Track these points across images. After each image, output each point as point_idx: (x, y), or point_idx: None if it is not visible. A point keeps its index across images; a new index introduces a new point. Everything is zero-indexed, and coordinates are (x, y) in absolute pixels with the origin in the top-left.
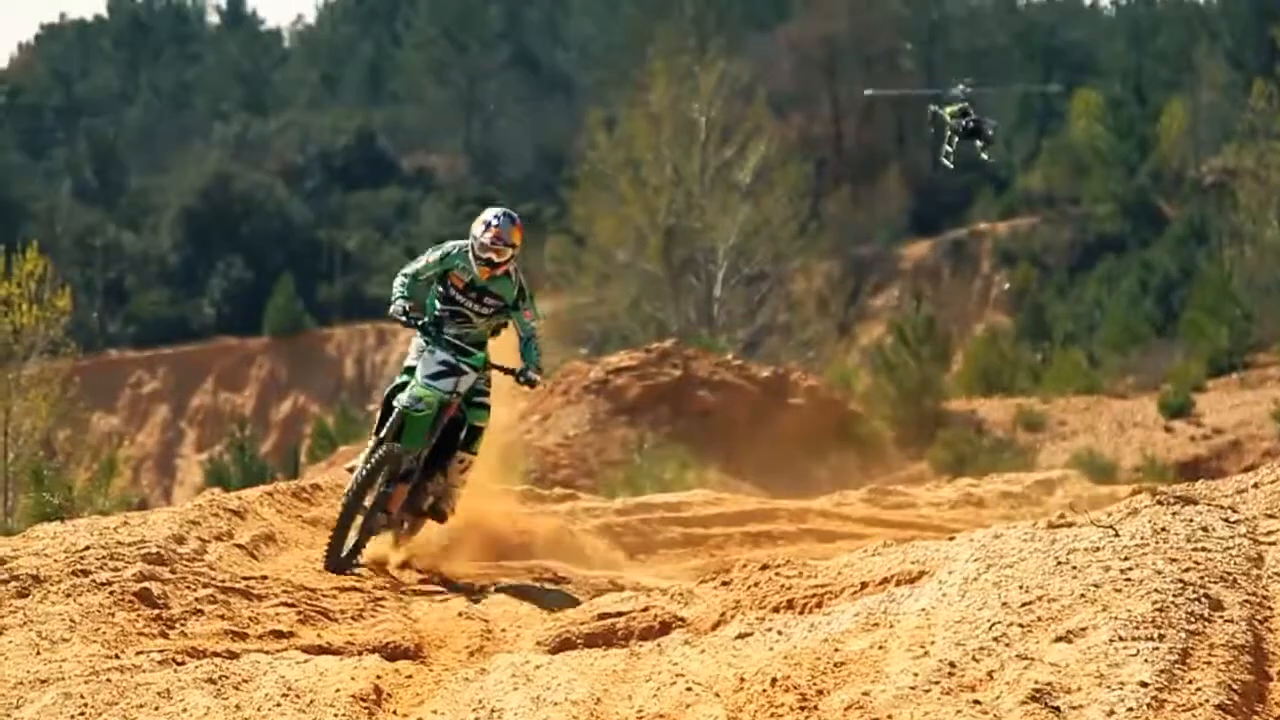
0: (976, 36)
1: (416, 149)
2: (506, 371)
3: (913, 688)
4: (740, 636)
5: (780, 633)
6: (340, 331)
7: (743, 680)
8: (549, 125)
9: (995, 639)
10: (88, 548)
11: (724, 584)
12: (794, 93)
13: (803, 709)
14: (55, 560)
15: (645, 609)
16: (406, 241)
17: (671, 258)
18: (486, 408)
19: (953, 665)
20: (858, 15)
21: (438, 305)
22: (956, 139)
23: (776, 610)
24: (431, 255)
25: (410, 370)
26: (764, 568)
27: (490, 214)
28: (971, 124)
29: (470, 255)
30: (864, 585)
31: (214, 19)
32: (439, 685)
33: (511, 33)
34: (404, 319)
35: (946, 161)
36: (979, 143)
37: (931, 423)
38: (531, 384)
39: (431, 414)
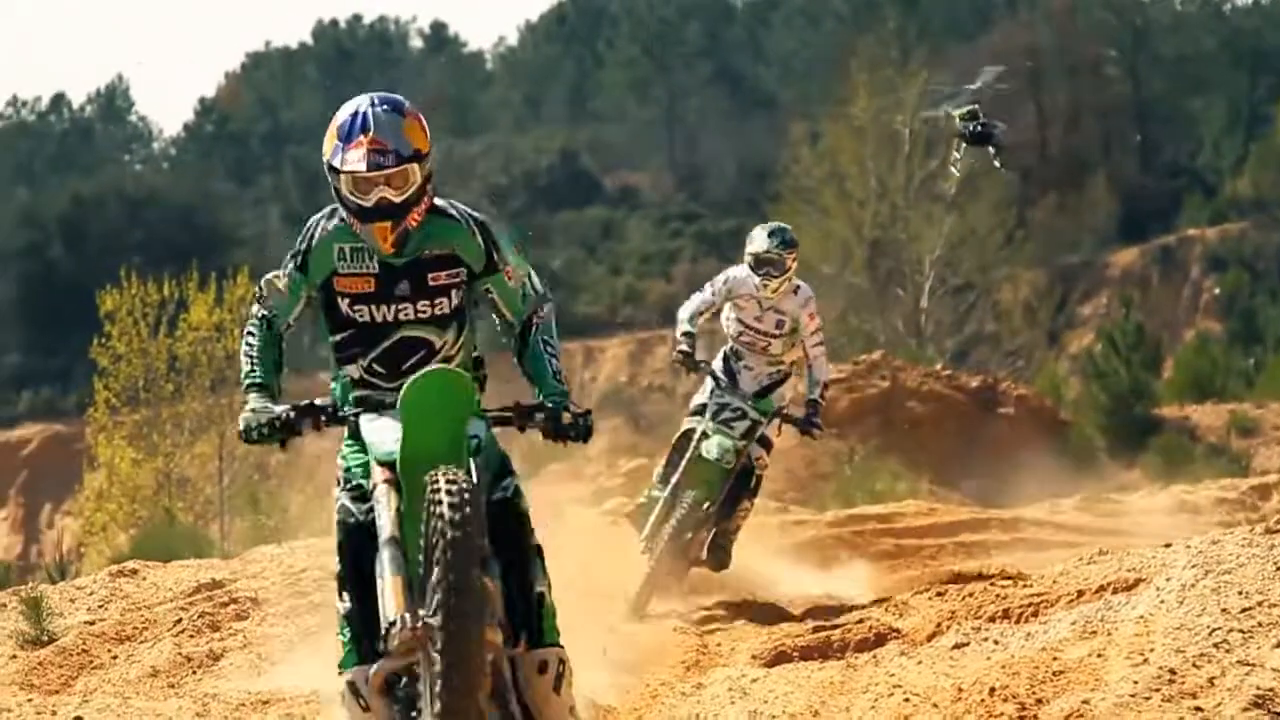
0: (1182, 43)
1: (620, 167)
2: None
3: (1133, 695)
4: (957, 646)
5: (997, 642)
6: None
7: (960, 690)
8: (752, 141)
9: (1215, 645)
10: (305, 570)
11: (939, 594)
12: (997, 102)
13: (1022, 718)
14: (273, 583)
15: (860, 621)
16: (612, 260)
17: (877, 270)
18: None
19: (1173, 672)
20: (1061, 24)
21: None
22: (964, 145)
23: (993, 620)
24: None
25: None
26: (979, 578)
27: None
28: (979, 127)
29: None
30: (1080, 593)
31: (417, 43)
32: (655, 700)
33: (713, 49)
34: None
35: (954, 169)
36: (991, 150)
37: (1143, 430)
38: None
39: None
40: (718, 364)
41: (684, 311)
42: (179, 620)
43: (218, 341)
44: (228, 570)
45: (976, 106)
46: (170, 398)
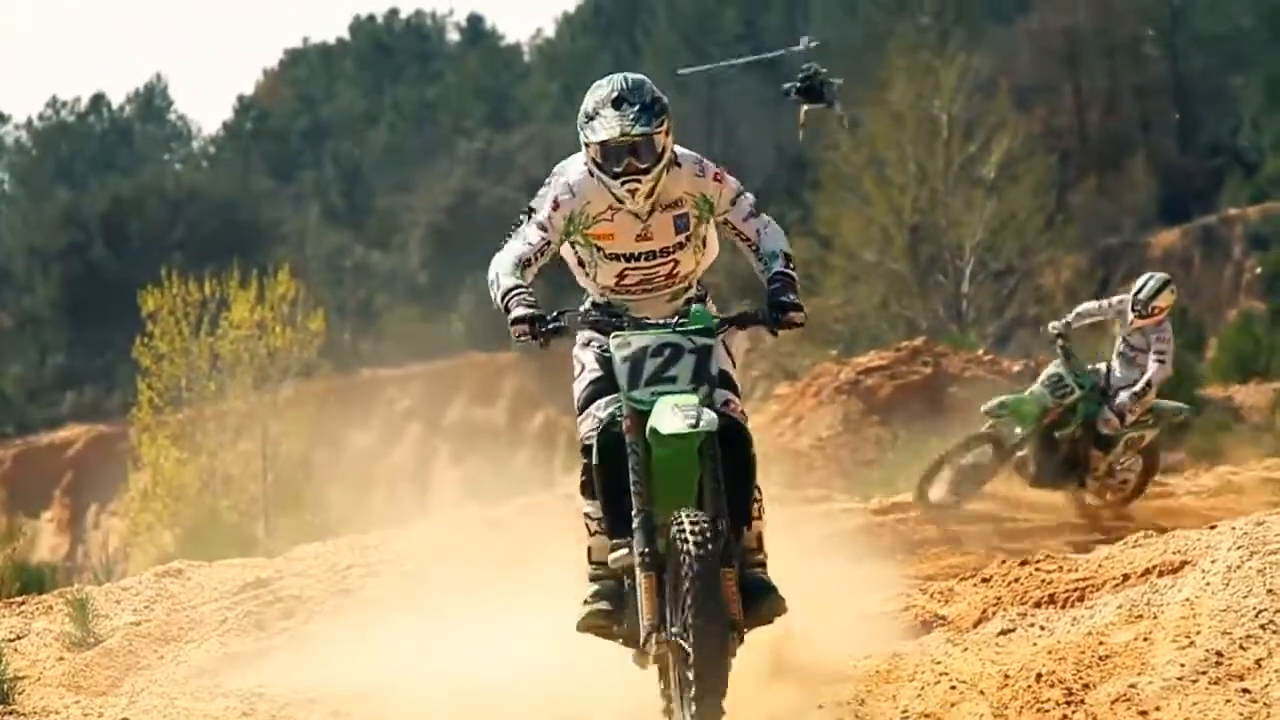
0: (1220, 21)
1: None
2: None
3: (1180, 678)
4: (1003, 633)
5: (1043, 628)
6: None
7: (1007, 677)
8: (790, 128)
9: (1262, 627)
10: (349, 566)
11: (984, 581)
12: (1036, 85)
13: (1069, 703)
14: (318, 580)
15: (906, 608)
16: None
17: (918, 256)
18: None
19: (1220, 655)
20: (1099, 4)
21: None
22: (804, 106)
23: (1038, 605)
24: None
25: None
26: (1024, 563)
27: None
28: (804, 82)
29: None
30: (1126, 577)
31: (454, 37)
32: None
33: (750, 37)
34: None
35: (800, 130)
36: (830, 105)
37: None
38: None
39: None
40: None
41: None
42: (224, 620)
43: (259, 339)
44: (272, 569)
45: (812, 66)
46: (213, 396)
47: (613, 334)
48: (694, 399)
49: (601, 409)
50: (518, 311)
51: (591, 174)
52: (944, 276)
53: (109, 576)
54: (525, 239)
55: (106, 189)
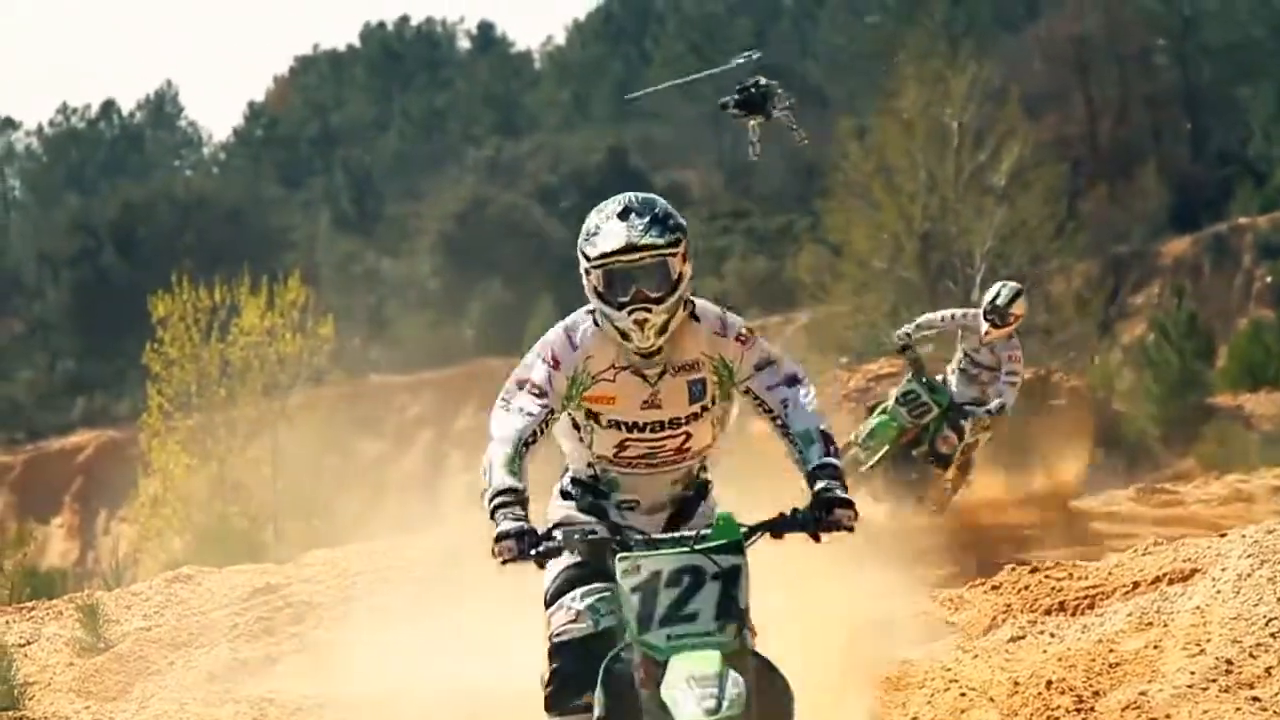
0: (1231, 30)
1: (669, 165)
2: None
3: (1190, 686)
4: (1013, 640)
5: (1053, 635)
6: None
7: (1017, 684)
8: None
9: (1273, 635)
10: (359, 573)
11: (994, 588)
12: (1046, 93)
13: (1079, 711)
14: (328, 586)
15: (916, 615)
16: None
17: (928, 263)
18: None
19: (1230, 663)
20: (1109, 13)
21: None
22: (751, 121)
23: (1048, 613)
24: None
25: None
26: (1034, 570)
27: None
28: (739, 94)
29: None
30: (1136, 585)
31: (465, 44)
32: None
33: (760, 46)
34: None
35: (752, 149)
36: (769, 117)
37: (1197, 419)
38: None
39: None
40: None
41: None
42: (235, 625)
43: (269, 345)
44: (282, 575)
45: (758, 78)
46: (223, 403)
47: (619, 555)
48: (715, 663)
49: (578, 600)
50: (504, 525)
51: (594, 320)
52: (954, 284)
53: (119, 582)
54: (524, 411)
55: (117, 195)
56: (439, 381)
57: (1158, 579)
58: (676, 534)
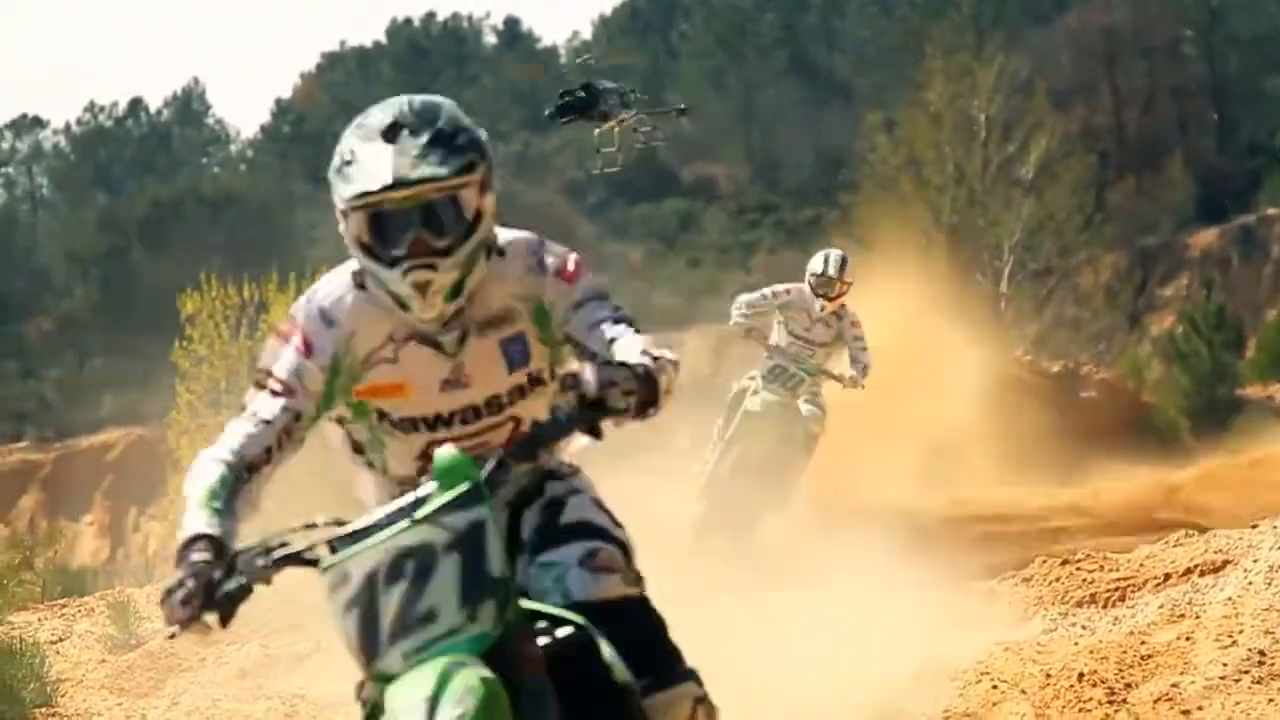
0: (1258, 21)
1: (696, 159)
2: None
3: (1222, 678)
4: (1044, 632)
5: (1084, 627)
6: None
7: (1049, 676)
8: (828, 130)
9: None
10: None
11: (1025, 580)
12: (1074, 85)
13: (1111, 703)
14: None
15: (948, 608)
16: (690, 252)
17: (957, 256)
18: None
19: (1262, 654)
20: (1136, 4)
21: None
22: (596, 131)
23: (1080, 605)
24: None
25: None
26: (1064, 563)
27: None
28: (561, 98)
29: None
30: (1167, 577)
31: (491, 39)
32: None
33: (787, 40)
34: None
35: (598, 162)
36: (604, 117)
37: (1227, 410)
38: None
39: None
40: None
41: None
42: (265, 621)
43: None
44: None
45: (592, 81)
46: None
47: (321, 564)
48: (428, 684)
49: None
50: (174, 575)
51: (357, 282)
52: (982, 276)
53: (150, 579)
54: (257, 417)
55: (145, 193)
56: None
57: (1189, 571)
58: (389, 509)
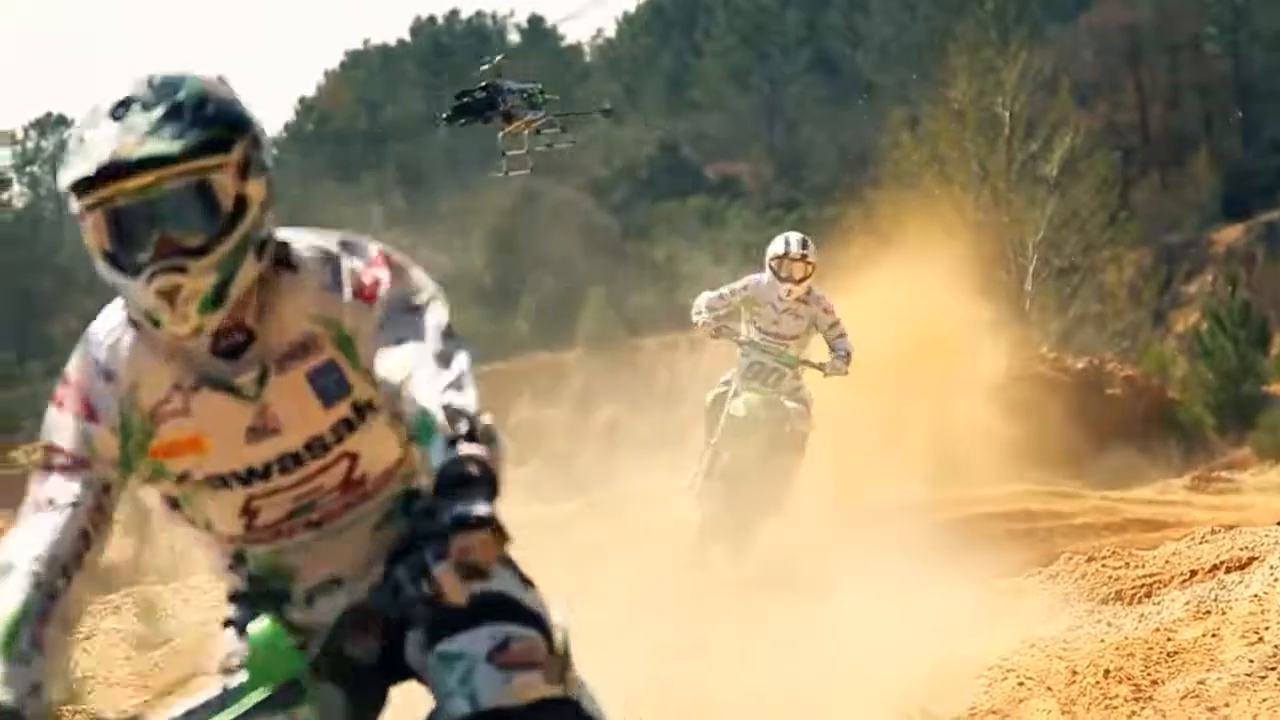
0: None
1: (720, 157)
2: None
3: (1249, 675)
4: (1070, 629)
5: (1110, 624)
6: (651, 341)
7: (1075, 673)
8: (851, 127)
9: None
10: None
11: (1050, 577)
12: (1097, 82)
13: (1137, 700)
14: None
15: (973, 606)
16: (714, 249)
17: (981, 254)
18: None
19: None
20: (1160, 1)
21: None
22: (507, 141)
23: (1105, 602)
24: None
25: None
26: (1090, 559)
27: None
28: (457, 98)
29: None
30: (1193, 573)
31: (515, 37)
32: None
33: (811, 37)
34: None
35: (507, 165)
36: (488, 120)
37: (1252, 407)
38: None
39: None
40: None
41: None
42: None
43: None
44: None
45: (492, 81)
46: None
47: None
48: None
49: None
50: None
51: (134, 320)
52: (1006, 274)
53: (176, 576)
54: (55, 504)
55: None
56: (492, 375)
57: (1215, 567)
58: (194, 703)
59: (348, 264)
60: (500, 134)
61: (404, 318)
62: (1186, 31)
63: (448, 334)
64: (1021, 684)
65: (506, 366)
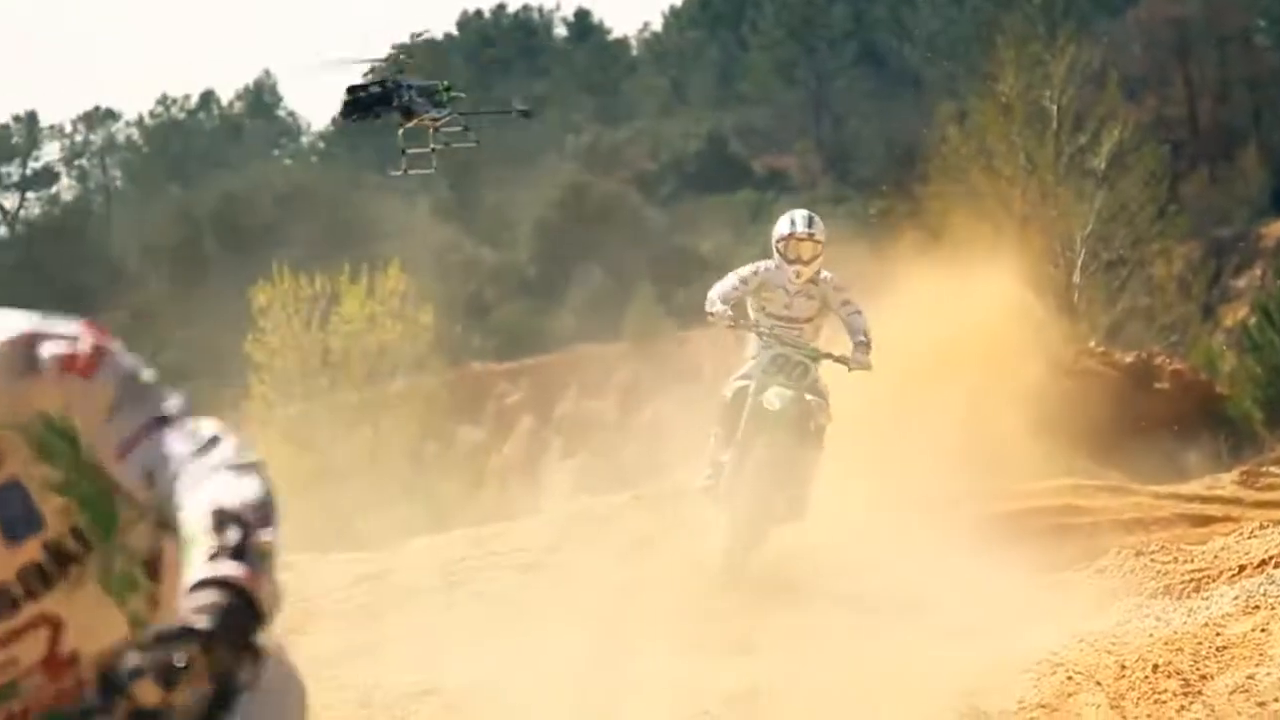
0: None
1: (768, 150)
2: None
3: None
4: (1118, 624)
5: (1159, 618)
6: (698, 335)
7: (1124, 668)
8: (898, 121)
9: None
10: (462, 559)
11: (1099, 572)
12: (1146, 75)
13: (1186, 694)
14: (431, 572)
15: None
16: (763, 243)
17: (1029, 247)
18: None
19: None
20: None
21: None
22: (407, 138)
23: (1154, 596)
24: None
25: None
26: (1139, 554)
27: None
28: (349, 94)
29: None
30: (1242, 568)
31: (562, 31)
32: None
33: (858, 30)
34: None
35: (406, 163)
36: (378, 116)
37: None
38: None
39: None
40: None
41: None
42: (339, 611)
43: (370, 334)
44: (385, 561)
45: (387, 76)
46: (324, 391)
47: None
48: None
49: None
50: None
51: None
52: (1055, 267)
53: None
54: None
55: (217, 185)
56: (538, 368)
57: (1264, 562)
58: None
59: (44, 340)
60: (400, 131)
61: (138, 405)
62: (1236, 25)
63: (197, 418)
64: (1070, 678)
65: (552, 360)
